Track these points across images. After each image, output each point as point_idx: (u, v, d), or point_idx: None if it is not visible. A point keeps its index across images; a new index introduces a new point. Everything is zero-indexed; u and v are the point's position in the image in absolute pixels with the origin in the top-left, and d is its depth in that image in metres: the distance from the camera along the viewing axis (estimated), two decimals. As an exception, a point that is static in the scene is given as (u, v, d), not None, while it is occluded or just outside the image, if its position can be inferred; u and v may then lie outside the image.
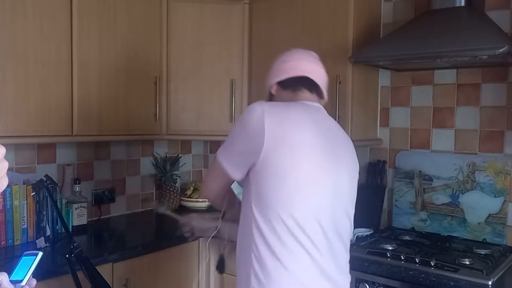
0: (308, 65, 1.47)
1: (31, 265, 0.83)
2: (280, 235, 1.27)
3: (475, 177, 2.21)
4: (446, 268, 1.79)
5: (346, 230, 1.41)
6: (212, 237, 1.65)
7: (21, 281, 0.81)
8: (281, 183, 1.27)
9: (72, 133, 2.17)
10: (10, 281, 0.80)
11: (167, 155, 2.98)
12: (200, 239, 2.44)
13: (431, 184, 2.33)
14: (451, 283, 1.73)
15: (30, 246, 2.13)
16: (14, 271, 0.82)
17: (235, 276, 2.31)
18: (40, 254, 0.85)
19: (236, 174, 1.36)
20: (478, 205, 2.19)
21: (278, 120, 1.30)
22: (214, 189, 1.50)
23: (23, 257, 0.85)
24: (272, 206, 1.28)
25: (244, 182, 1.39)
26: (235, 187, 2.77)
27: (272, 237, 1.28)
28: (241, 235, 1.39)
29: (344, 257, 1.41)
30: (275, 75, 1.50)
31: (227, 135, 2.87)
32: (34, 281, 0.82)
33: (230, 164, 1.37)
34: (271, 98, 1.54)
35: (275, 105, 1.37)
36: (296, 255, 1.28)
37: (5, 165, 0.62)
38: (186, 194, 3.00)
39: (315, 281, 1.31)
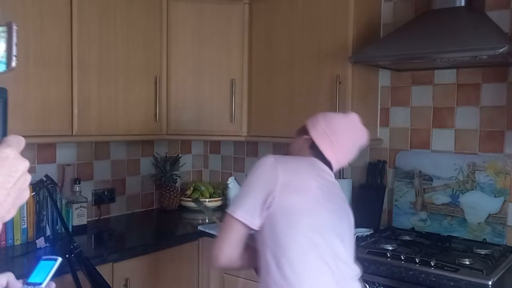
0: (342, 158, 1.54)
1: (51, 269, 0.84)
2: (294, 269, 1.37)
3: (475, 177, 2.21)
4: (446, 268, 1.79)
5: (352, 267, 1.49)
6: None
7: (41, 284, 0.82)
8: (294, 221, 1.39)
9: (72, 133, 2.17)
10: (28, 283, 0.81)
11: (167, 155, 2.98)
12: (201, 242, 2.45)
13: (431, 184, 2.33)
14: (451, 283, 1.72)
15: (30, 246, 2.13)
16: (32, 274, 0.83)
17: (235, 276, 2.32)
18: (60, 259, 0.87)
19: (255, 222, 1.41)
20: (478, 205, 2.19)
21: (288, 168, 1.44)
22: (228, 245, 1.44)
23: (42, 261, 0.86)
24: (284, 243, 1.38)
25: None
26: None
27: (287, 275, 1.36)
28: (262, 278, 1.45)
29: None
30: (319, 134, 1.53)
31: (227, 135, 2.88)
32: (53, 285, 0.84)
33: (247, 215, 1.40)
34: (299, 133, 1.60)
35: (284, 158, 1.52)
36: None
37: (28, 178, 0.64)
38: (186, 194, 3.00)
39: None
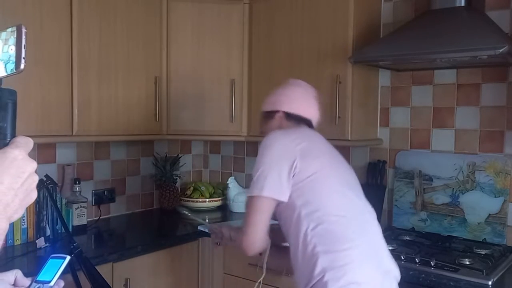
0: (315, 110, 1.69)
1: (59, 268, 0.86)
2: (336, 224, 1.43)
3: (475, 177, 2.21)
4: (446, 268, 1.79)
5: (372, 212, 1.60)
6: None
7: (50, 281, 0.83)
8: (322, 183, 1.47)
9: (72, 133, 2.17)
10: (37, 280, 0.83)
11: (167, 155, 2.98)
12: (201, 239, 2.45)
13: (431, 184, 2.33)
14: (451, 283, 1.73)
15: (30, 246, 2.13)
16: (41, 272, 0.85)
17: (235, 276, 2.32)
18: (68, 257, 0.88)
19: (285, 194, 1.45)
20: (478, 205, 2.19)
21: (296, 137, 1.52)
22: (262, 227, 1.48)
23: (50, 260, 0.88)
24: (319, 203, 1.44)
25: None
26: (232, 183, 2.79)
27: (329, 231, 1.42)
28: (295, 248, 1.47)
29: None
30: (286, 104, 1.65)
31: (227, 135, 2.88)
32: (62, 283, 0.85)
33: (276, 189, 1.45)
34: (266, 119, 1.68)
35: (287, 130, 1.59)
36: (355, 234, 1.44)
37: (36, 179, 0.66)
38: (186, 194, 3.00)
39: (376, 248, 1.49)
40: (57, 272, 0.85)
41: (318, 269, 1.39)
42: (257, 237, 1.47)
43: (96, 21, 2.23)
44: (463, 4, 2.03)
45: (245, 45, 2.64)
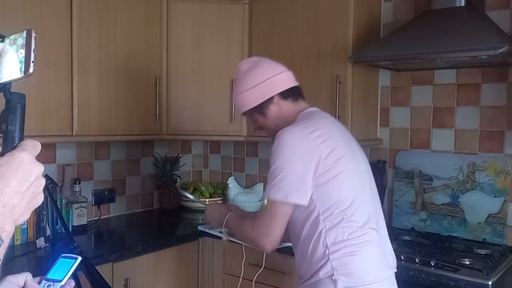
0: (288, 71, 1.61)
1: (71, 268, 0.86)
2: (351, 226, 1.41)
3: (475, 177, 2.21)
4: (446, 268, 1.79)
5: (380, 208, 1.57)
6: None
7: (60, 280, 0.83)
8: (341, 178, 1.42)
9: (72, 133, 2.17)
10: (47, 278, 0.83)
11: (167, 155, 2.98)
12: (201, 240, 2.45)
13: (431, 184, 2.33)
14: (451, 283, 1.73)
15: (30, 246, 2.13)
16: (52, 271, 0.85)
17: (235, 276, 2.32)
18: (80, 258, 0.89)
19: (307, 198, 1.42)
20: (478, 205, 2.19)
21: (320, 134, 1.43)
22: (283, 229, 1.46)
23: (61, 259, 0.88)
24: (338, 204, 1.41)
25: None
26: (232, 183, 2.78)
27: (345, 233, 1.40)
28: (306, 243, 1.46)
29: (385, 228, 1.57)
30: (277, 84, 1.56)
31: (227, 135, 2.87)
32: (73, 283, 0.85)
33: (301, 195, 1.40)
34: (260, 112, 1.58)
35: (304, 124, 1.47)
36: (366, 237, 1.43)
37: (42, 182, 0.67)
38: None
39: (383, 250, 1.50)
40: (68, 271, 0.85)
41: (327, 268, 1.40)
42: (279, 238, 1.46)
43: (96, 21, 2.23)
44: (463, 4, 2.03)
45: (245, 45, 2.64)
